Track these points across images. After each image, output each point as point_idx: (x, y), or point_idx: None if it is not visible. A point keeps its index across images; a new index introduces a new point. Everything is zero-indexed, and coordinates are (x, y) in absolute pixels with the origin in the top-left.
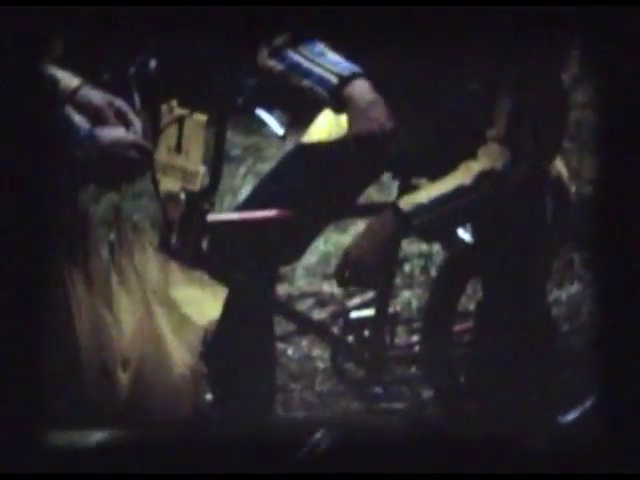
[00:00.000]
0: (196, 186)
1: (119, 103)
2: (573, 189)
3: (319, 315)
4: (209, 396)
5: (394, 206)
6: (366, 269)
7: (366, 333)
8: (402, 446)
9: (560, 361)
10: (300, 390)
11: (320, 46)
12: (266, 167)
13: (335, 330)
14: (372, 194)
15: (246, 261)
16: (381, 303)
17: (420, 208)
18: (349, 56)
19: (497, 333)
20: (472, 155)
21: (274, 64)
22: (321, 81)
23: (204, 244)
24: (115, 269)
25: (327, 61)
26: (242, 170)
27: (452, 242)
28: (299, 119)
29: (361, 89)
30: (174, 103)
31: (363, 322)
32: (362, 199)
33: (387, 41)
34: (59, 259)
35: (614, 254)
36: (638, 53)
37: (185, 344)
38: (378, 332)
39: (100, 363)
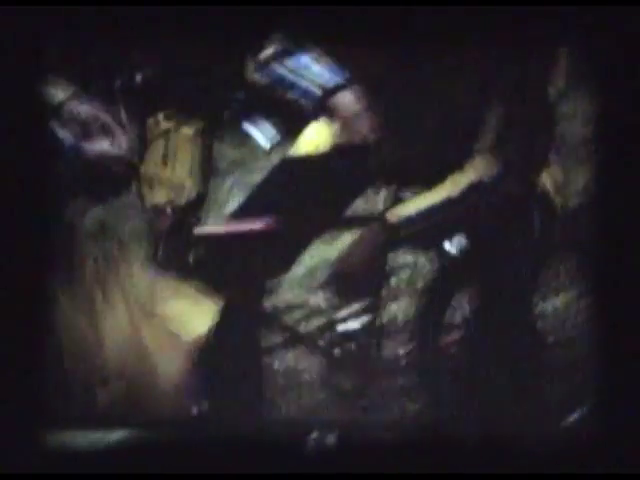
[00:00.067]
0: (183, 199)
1: (104, 117)
2: (559, 201)
3: (306, 327)
4: (195, 410)
5: (382, 218)
6: (354, 281)
7: (353, 345)
8: (402, 446)
9: (546, 372)
10: (287, 403)
11: (306, 59)
12: (252, 180)
13: (322, 343)
14: (359, 206)
15: (233, 274)
16: (368, 315)
17: (408, 220)
18: (338, 69)
19: (484, 345)
20: (460, 167)
21: (260, 78)
22: (306, 93)
23: (191, 257)
24: (100, 284)
25: (312, 74)
26: (228, 183)
27: (439, 254)
28: (286, 132)
29: (345, 101)
30: (161, 117)
31: (350, 334)
32: (349, 211)
33: (376, 54)
34: (45, 273)
35: (601, 266)
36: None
37: (171, 359)
38: (365, 344)
39: (81, 377)
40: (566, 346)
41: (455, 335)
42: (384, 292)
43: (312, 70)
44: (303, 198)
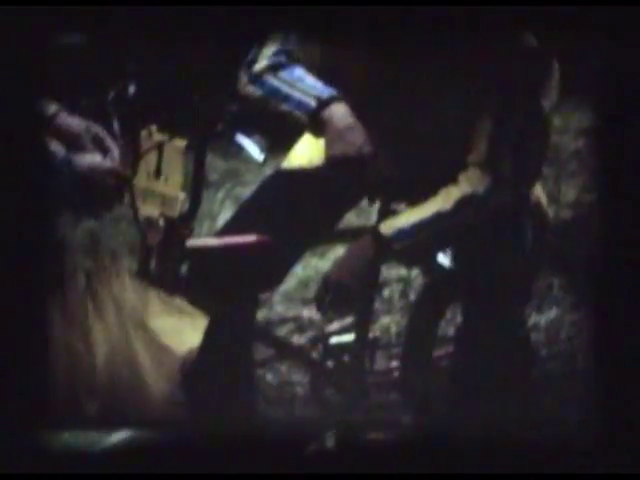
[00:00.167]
0: (175, 212)
1: (96, 129)
2: (551, 214)
3: (298, 340)
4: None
5: (375, 230)
6: (346, 294)
7: (345, 358)
8: (401, 446)
9: (539, 385)
10: (279, 416)
11: (299, 71)
12: (245, 192)
13: (314, 356)
14: (351, 219)
15: (226, 287)
16: (361, 328)
17: (401, 233)
18: (330, 80)
19: (477, 358)
20: (453, 180)
21: (254, 90)
22: (300, 105)
23: (183, 270)
24: (91, 297)
25: (306, 85)
26: (220, 195)
27: (432, 267)
28: (278, 145)
29: (339, 112)
30: (153, 128)
31: (342, 347)
32: (341, 224)
33: (369, 67)
34: (35, 286)
35: (594, 278)
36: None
37: (163, 372)
38: (357, 358)
39: (70, 390)
40: (559, 359)
41: (448, 348)
42: (377, 305)
43: (306, 82)
44: (296, 210)
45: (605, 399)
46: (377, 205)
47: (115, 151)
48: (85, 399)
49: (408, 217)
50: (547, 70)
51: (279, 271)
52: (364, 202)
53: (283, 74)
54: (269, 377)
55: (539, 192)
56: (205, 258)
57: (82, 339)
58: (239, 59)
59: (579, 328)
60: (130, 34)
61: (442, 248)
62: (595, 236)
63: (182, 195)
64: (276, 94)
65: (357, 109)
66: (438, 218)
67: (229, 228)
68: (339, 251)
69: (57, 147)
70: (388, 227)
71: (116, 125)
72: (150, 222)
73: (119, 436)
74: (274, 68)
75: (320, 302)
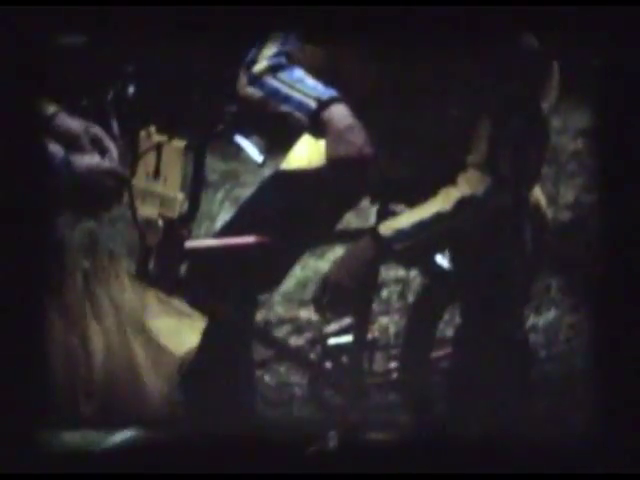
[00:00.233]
0: (174, 213)
1: (95, 130)
2: (550, 215)
3: (297, 341)
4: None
5: (374, 231)
6: (345, 295)
7: (344, 359)
8: (400, 447)
9: (537, 386)
10: (278, 417)
11: (299, 72)
12: (243, 193)
13: (313, 356)
14: (350, 219)
15: (225, 288)
16: (359, 329)
17: (400, 234)
18: (330, 81)
19: (475, 359)
20: (452, 181)
21: (253, 91)
22: (300, 106)
23: (182, 271)
24: (89, 298)
25: (306, 86)
26: (219, 196)
27: (431, 268)
28: (277, 146)
29: (340, 113)
30: (153, 129)
31: (341, 348)
32: (340, 225)
33: (369, 67)
34: (34, 286)
35: (593, 280)
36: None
37: (161, 374)
38: (356, 358)
39: (67, 391)
40: (558, 360)
41: (446, 349)
42: (375, 305)
43: (306, 83)
44: (295, 211)
45: (604, 400)
46: (377, 206)
47: (114, 152)
48: (83, 400)
49: (407, 218)
50: (547, 71)
51: (278, 272)
52: (363, 203)
53: (283, 75)
54: (267, 378)
55: (538, 193)
56: (204, 259)
57: (80, 339)
58: (239, 60)
59: (578, 329)
60: (129, 35)
61: (442, 249)
62: (594, 237)
63: (181, 196)
64: (276, 95)
65: (357, 110)
66: (437, 219)
67: (228, 229)
68: (338, 252)
69: (56, 148)
70: (387, 228)
71: (115, 126)
72: (149, 223)
73: (117, 437)
74: (274, 69)
75: (318, 303)
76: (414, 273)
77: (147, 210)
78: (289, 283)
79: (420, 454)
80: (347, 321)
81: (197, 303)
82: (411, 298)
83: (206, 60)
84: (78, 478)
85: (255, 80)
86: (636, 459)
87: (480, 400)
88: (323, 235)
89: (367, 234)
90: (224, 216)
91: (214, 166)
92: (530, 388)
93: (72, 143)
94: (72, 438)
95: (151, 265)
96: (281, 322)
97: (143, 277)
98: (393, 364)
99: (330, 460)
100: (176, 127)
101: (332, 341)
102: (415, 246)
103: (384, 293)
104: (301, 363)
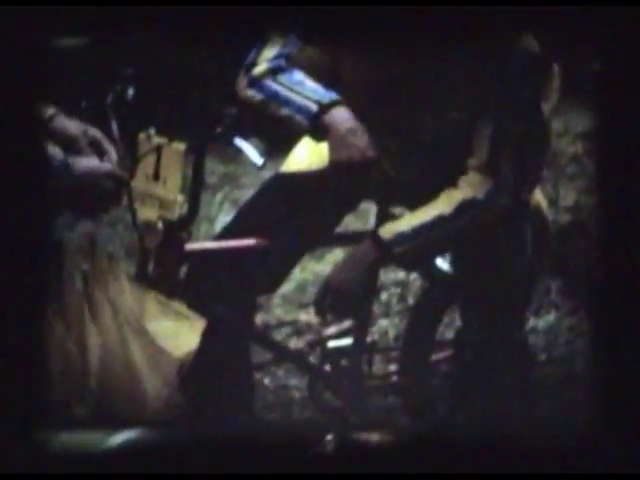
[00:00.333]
0: (174, 215)
1: (94, 132)
2: (551, 218)
3: (296, 344)
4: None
5: (374, 234)
6: (346, 298)
7: (343, 362)
8: (399, 449)
9: (537, 389)
10: (277, 420)
11: (299, 75)
12: (243, 195)
13: (312, 359)
14: (350, 222)
15: (224, 290)
16: (359, 332)
17: (401, 237)
18: (330, 84)
19: (475, 362)
20: (453, 184)
21: (253, 94)
22: (301, 109)
23: (181, 273)
24: (88, 300)
25: (306, 89)
26: (218, 198)
27: (431, 271)
28: (277, 149)
29: (341, 116)
30: (152, 131)
31: (340, 351)
32: (340, 227)
33: (369, 69)
34: (32, 288)
35: (593, 282)
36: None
37: (160, 376)
38: (355, 361)
39: (66, 392)
40: (558, 362)
41: (446, 352)
42: (375, 308)
43: (306, 86)
44: (294, 214)
45: (604, 403)
46: (376, 209)
47: (113, 154)
48: (82, 401)
49: (408, 221)
50: (547, 73)
51: (277, 275)
52: (363, 205)
53: (283, 78)
54: (267, 381)
55: (539, 196)
56: (203, 261)
57: (79, 341)
58: (238, 62)
59: (577, 332)
60: (129, 37)
61: (443, 252)
62: (594, 240)
63: (181, 198)
64: (276, 98)
65: (357, 112)
66: (438, 222)
67: (228, 231)
68: (337, 254)
69: (55, 150)
70: (388, 231)
71: (115, 128)
72: (148, 225)
73: (116, 439)
74: (274, 71)
75: (320, 306)
76: (414, 276)
77: (147, 212)
78: (288, 286)
79: (420, 456)
80: (347, 324)
81: (196, 305)
82: (411, 301)
83: (205, 62)
84: (76, 479)
85: (255, 83)
86: (636, 459)
87: (480, 403)
88: (323, 238)
89: (367, 237)
90: (223, 218)
91: (213, 168)
92: (530, 390)
93: (71, 145)
94: (70, 439)
95: (150, 267)
96: (280, 324)
97: (142, 279)
98: (393, 367)
99: (329, 463)
100: (176, 129)
101: (332, 344)
102: (415, 249)
103: (384, 296)
104: (300, 366)
